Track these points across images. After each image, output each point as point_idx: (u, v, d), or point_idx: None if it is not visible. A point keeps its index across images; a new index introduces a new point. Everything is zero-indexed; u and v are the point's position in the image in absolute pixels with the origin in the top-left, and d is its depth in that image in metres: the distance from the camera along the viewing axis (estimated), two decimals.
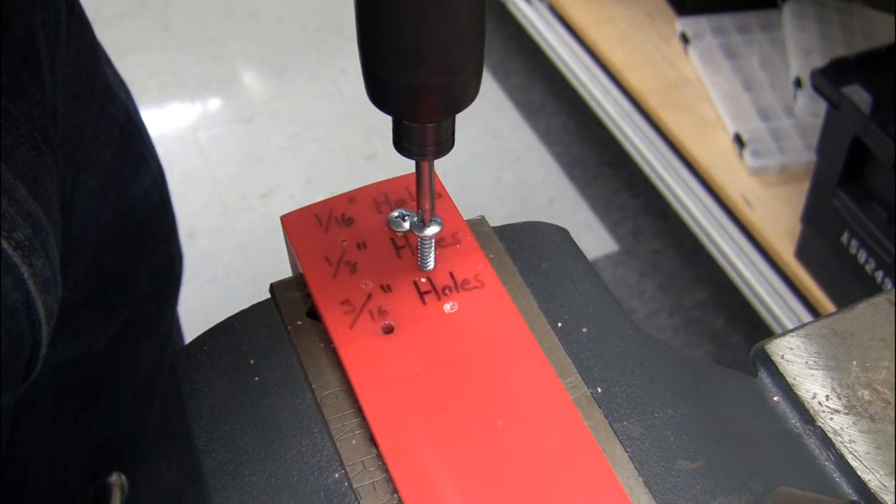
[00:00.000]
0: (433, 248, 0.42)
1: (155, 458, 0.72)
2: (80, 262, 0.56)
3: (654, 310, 1.61)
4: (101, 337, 0.62)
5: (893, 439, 0.41)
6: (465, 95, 0.35)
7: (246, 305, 0.43)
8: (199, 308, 1.55)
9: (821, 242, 1.24)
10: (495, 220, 0.45)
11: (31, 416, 0.56)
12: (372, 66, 0.34)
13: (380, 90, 0.35)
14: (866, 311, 0.45)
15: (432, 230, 0.41)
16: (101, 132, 0.58)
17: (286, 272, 0.46)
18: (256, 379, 0.41)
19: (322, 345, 0.41)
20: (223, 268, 1.66)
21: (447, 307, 0.41)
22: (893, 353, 0.43)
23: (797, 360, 0.43)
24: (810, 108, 1.40)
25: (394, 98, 0.35)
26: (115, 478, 0.59)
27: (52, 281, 0.47)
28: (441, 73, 0.34)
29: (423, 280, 0.42)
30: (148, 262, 0.65)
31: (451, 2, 0.32)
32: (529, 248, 0.44)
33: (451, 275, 0.42)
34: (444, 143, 0.37)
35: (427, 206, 0.40)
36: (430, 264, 0.42)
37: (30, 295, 0.45)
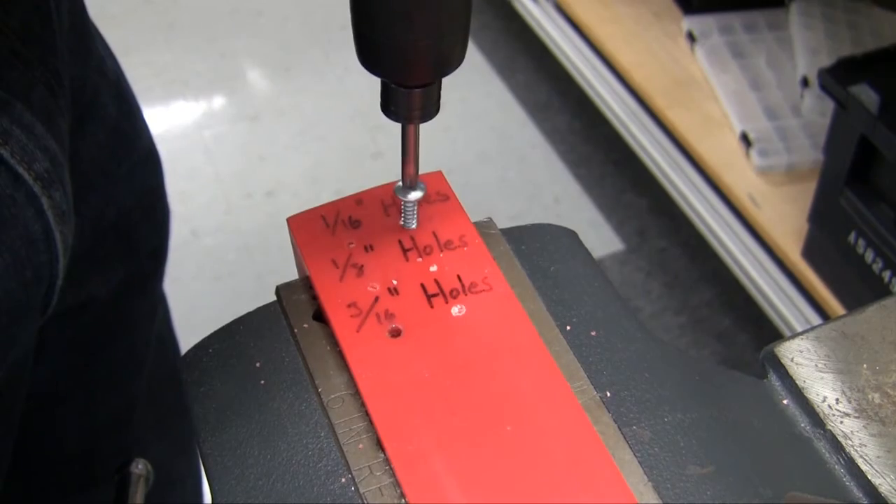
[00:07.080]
0: (416, 211, 0.43)
1: (142, 428, 0.73)
2: (86, 211, 0.57)
3: (660, 309, 1.60)
4: (103, 287, 0.63)
5: None
6: (451, 59, 0.37)
7: (251, 304, 0.43)
8: (204, 306, 1.56)
9: (828, 242, 1.23)
10: (500, 219, 0.45)
11: (36, 370, 0.57)
12: (361, 28, 0.36)
13: (369, 52, 0.36)
14: (876, 314, 0.45)
15: (415, 195, 0.42)
16: (101, 87, 0.59)
17: (291, 270, 0.46)
18: (262, 382, 0.40)
19: (328, 348, 0.41)
20: (227, 266, 1.65)
21: (455, 310, 0.40)
22: None
23: (807, 363, 0.43)
24: (817, 108, 1.39)
25: (382, 60, 0.36)
26: (142, 467, 0.58)
27: (69, 214, 0.48)
28: (429, 35, 0.35)
29: (431, 283, 0.41)
30: (146, 219, 0.67)
31: None
32: (538, 251, 0.44)
33: (459, 278, 0.41)
34: (430, 108, 0.39)
35: (411, 170, 0.42)
36: (413, 225, 0.44)
37: (49, 226, 0.46)
